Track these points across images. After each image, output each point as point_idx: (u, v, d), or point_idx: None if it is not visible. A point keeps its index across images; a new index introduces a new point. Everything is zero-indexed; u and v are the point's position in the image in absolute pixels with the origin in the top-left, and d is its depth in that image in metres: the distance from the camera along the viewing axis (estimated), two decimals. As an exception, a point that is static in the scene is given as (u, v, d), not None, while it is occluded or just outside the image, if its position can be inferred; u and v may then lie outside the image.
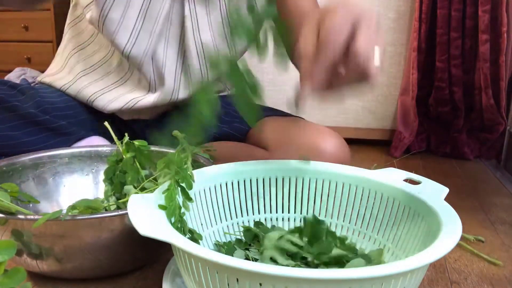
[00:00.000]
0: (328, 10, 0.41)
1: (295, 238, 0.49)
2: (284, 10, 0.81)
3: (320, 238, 0.50)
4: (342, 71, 0.42)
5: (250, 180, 0.56)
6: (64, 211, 0.47)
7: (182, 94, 0.84)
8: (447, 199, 0.47)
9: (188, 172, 0.46)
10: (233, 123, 0.84)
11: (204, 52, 0.81)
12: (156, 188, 0.47)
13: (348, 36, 0.40)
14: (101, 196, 0.65)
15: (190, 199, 0.46)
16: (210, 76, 0.73)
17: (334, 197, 0.56)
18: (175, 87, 0.83)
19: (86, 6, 0.81)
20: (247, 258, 0.51)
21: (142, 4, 0.76)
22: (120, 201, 0.59)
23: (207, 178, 0.53)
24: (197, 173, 0.52)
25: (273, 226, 0.56)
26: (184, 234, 0.44)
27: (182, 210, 0.45)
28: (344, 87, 0.43)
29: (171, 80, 0.82)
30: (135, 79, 0.85)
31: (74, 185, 0.68)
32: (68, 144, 0.77)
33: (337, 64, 0.41)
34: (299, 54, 0.42)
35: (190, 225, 0.50)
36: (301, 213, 0.58)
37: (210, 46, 0.81)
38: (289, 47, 0.46)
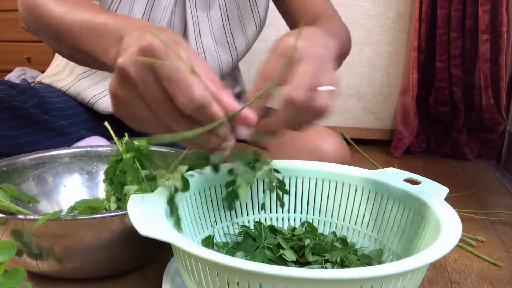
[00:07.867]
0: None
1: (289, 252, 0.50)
2: (292, 10, 0.81)
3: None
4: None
5: (250, 180, 0.56)
6: (64, 211, 0.47)
7: None
8: (447, 199, 0.47)
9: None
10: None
11: (205, 55, 0.81)
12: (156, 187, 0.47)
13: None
14: (102, 196, 0.65)
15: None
16: None
17: (334, 197, 0.56)
18: None
19: None
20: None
21: (145, 9, 0.76)
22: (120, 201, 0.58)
23: (207, 178, 0.53)
24: (197, 173, 0.52)
25: (272, 227, 0.56)
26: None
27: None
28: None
29: None
30: None
31: (74, 185, 0.68)
32: (68, 144, 0.77)
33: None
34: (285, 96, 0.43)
35: (190, 225, 0.50)
36: (301, 213, 0.58)
37: (212, 50, 0.82)
38: None
